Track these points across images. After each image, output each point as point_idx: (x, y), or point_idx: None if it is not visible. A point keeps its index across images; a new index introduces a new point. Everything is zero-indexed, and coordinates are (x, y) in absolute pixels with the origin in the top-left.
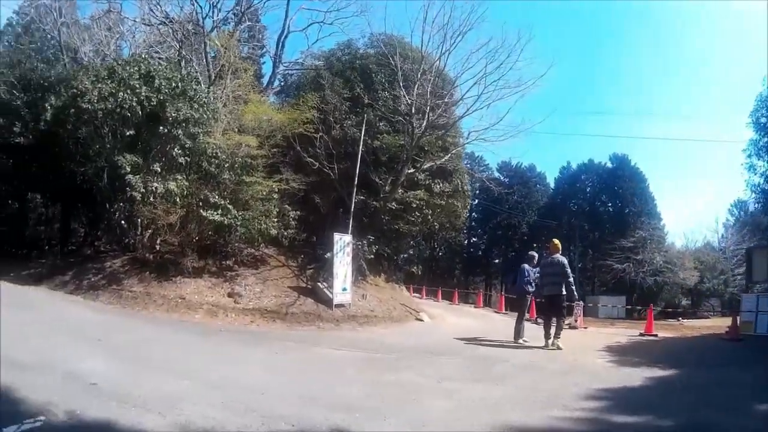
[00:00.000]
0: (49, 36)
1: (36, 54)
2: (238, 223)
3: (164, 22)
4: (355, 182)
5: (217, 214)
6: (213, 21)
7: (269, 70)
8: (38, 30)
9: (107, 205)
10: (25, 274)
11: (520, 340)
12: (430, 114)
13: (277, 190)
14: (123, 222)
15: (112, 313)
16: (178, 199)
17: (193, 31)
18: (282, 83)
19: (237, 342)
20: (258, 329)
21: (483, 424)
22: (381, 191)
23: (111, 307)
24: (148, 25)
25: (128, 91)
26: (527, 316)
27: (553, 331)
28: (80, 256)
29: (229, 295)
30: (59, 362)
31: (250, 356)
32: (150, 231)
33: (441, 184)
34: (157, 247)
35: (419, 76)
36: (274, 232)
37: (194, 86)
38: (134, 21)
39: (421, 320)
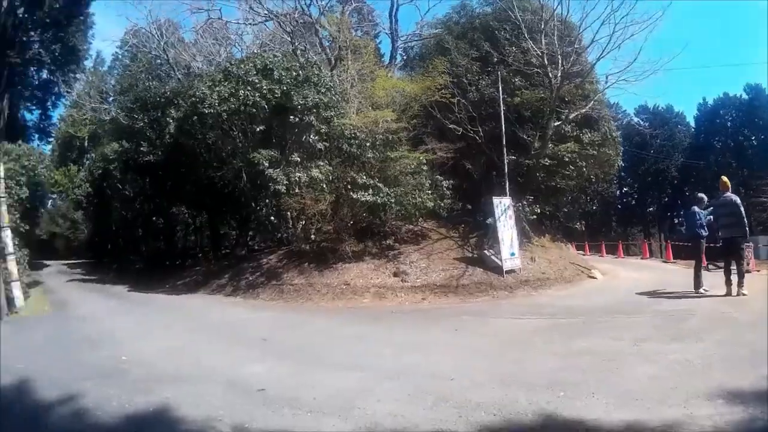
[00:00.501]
0: (156, 58)
1: (147, 75)
2: (392, 201)
3: (270, 18)
4: (503, 142)
5: (368, 194)
6: (319, 8)
7: (387, 48)
8: (145, 55)
9: (253, 204)
10: (181, 284)
11: (701, 290)
12: (564, 62)
13: (425, 162)
14: (272, 218)
15: (275, 309)
16: (324, 186)
17: (300, 20)
18: (404, 57)
19: (411, 323)
20: (430, 306)
21: (698, 391)
22: (531, 148)
23: (273, 304)
24: (254, 25)
25: (248, 88)
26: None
27: (735, 278)
28: (234, 258)
29: (395, 275)
30: (222, 370)
31: (428, 337)
32: (302, 222)
33: (589, 134)
34: (312, 236)
35: (542, 26)
36: (430, 204)
37: (316, 72)
38: (238, 23)
39: (594, 278)
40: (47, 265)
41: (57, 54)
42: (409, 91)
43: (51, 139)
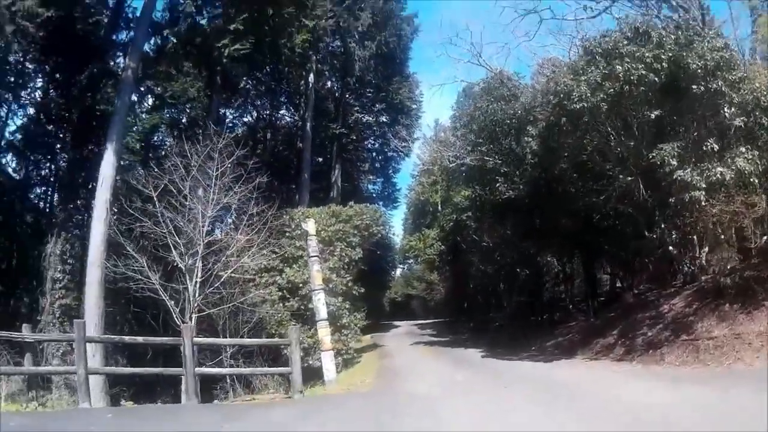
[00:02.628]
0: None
1: (488, 98)
2: None
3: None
4: None
5: None
6: None
7: None
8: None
9: (645, 232)
10: (551, 345)
11: None
12: None
13: None
14: (670, 246)
15: (695, 380)
16: (756, 181)
17: None
18: None
19: None
20: None
21: None
22: None
23: (688, 371)
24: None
25: (626, 60)
26: None
27: None
28: (621, 308)
29: None
30: None
31: None
32: (707, 246)
33: None
34: (729, 265)
35: None
36: None
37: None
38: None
39: None
40: (397, 326)
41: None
42: None
43: (397, 205)
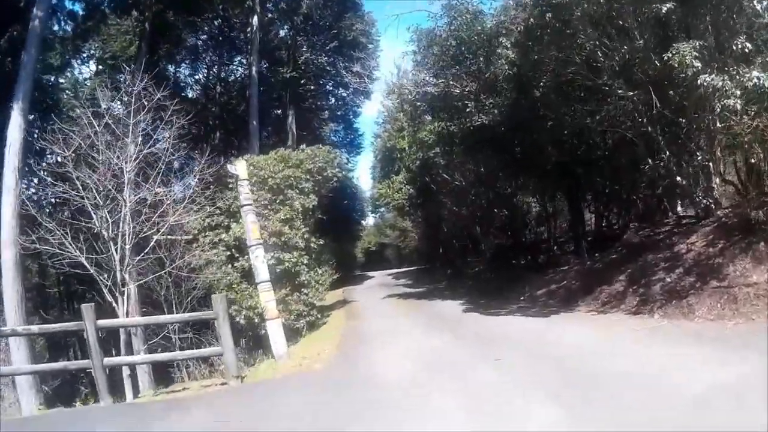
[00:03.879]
0: None
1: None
2: None
3: None
4: None
5: None
6: None
7: None
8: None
9: (649, 160)
10: (543, 294)
11: None
12: None
13: None
14: (678, 177)
15: (737, 338)
16: None
17: None
18: None
19: None
20: None
21: None
22: None
23: (729, 327)
24: None
25: None
26: None
27: None
28: (625, 248)
29: None
30: None
31: None
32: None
33: None
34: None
35: None
36: None
37: None
38: None
39: None
40: (370, 277)
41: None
42: None
43: (360, 151)
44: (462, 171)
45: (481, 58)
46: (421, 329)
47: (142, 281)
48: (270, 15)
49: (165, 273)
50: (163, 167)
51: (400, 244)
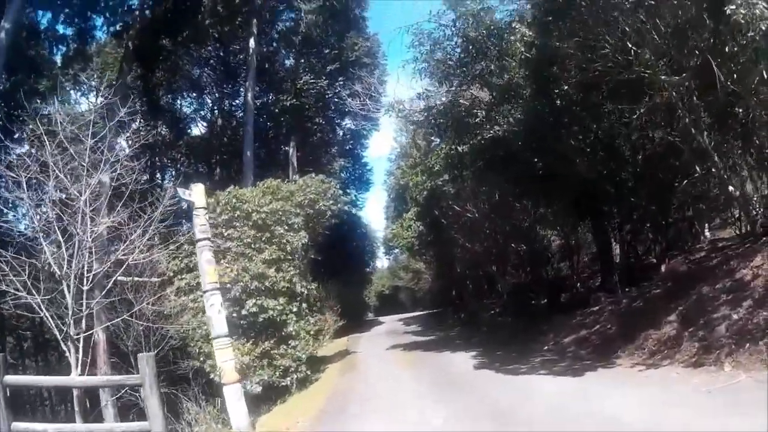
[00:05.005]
0: None
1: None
2: None
3: None
4: None
5: None
6: None
7: None
8: None
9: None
10: (570, 342)
11: None
12: None
13: None
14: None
15: None
16: None
17: None
18: None
19: None
20: None
21: None
22: None
23: None
24: None
25: None
26: None
27: None
28: (667, 281)
29: None
30: None
31: None
32: None
33: None
34: None
35: None
36: None
37: None
38: None
39: None
40: (381, 323)
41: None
42: None
43: (369, 186)
44: (474, 201)
45: (493, 59)
46: (422, 394)
47: (101, 327)
48: (268, 37)
49: (133, 320)
50: (133, 196)
51: (413, 286)
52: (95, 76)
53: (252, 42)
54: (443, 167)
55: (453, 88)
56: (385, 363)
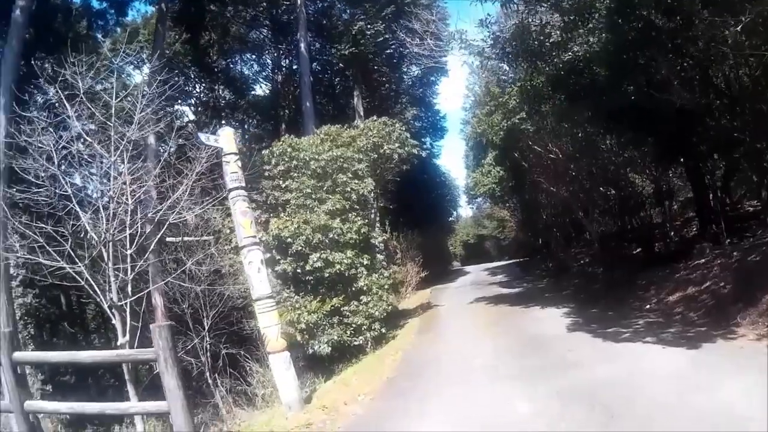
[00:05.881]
0: None
1: None
2: None
3: None
4: None
5: None
6: None
7: None
8: None
9: None
10: (677, 300)
11: None
12: None
13: None
14: None
15: None
16: None
17: None
18: None
19: None
20: None
21: None
22: None
23: None
24: None
25: None
26: None
27: None
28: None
29: None
30: None
31: None
32: None
33: None
34: None
35: None
36: None
37: None
38: None
39: None
40: (466, 273)
41: None
42: None
43: (443, 134)
44: (556, 140)
45: None
46: (506, 364)
47: (155, 289)
48: None
49: (184, 283)
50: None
51: (498, 235)
52: (143, 47)
53: None
54: (519, 102)
55: (519, 10)
56: (467, 320)
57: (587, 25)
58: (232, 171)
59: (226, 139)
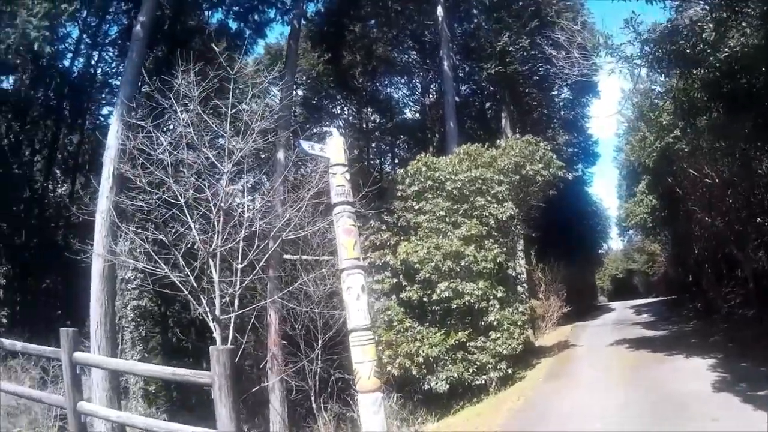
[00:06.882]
0: None
1: None
2: None
3: None
4: None
5: None
6: None
7: None
8: None
9: None
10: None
11: None
12: None
13: None
14: None
15: None
16: None
17: None
18: None
19: None
20: None
21: None
22: None
23: None
24: None
25: None
26: None
27: None
28: None
29: None
30: None
31: None
32: None
33: None
34: None
35: None
36: None
37: None
38: None
39: None
40: (611, 310)
41: None
42: None
43: (595, 159)
44: (711, 162)
45: None
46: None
47: (249, 308)
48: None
49: (303, 300)
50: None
51: (648, 270)
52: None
53: (440, 10)
54: (672, 117)
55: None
56: (602, 365)
57: (741, 20)
58: (339, 184)
59: (334, 148)
